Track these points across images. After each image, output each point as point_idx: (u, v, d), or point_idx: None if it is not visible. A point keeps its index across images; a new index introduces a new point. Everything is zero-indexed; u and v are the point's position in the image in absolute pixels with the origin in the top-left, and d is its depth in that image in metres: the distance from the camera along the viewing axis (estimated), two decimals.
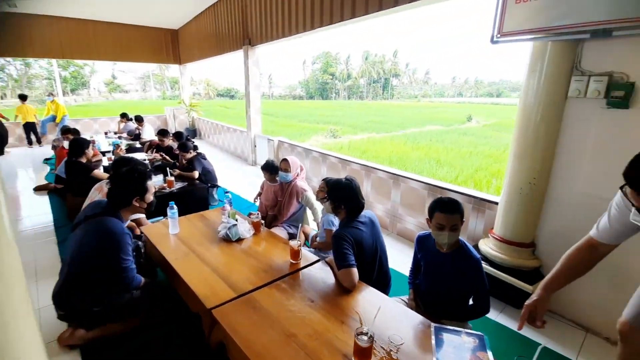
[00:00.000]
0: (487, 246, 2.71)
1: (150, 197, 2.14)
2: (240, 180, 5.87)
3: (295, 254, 2.17)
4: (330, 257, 2.20)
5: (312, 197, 3.17)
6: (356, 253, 1.99)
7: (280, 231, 3.17)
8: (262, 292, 1.88)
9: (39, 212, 4.21)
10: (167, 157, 4.90)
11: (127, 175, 2.05)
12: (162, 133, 5.20)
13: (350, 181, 2.16)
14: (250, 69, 6.16)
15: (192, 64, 10.55)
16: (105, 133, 7.95)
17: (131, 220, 2.88)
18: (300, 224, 3.30)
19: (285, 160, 3.14)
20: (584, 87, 2.10)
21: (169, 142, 5.29)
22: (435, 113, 34.37)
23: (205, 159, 4.52)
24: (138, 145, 6.69)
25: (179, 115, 10.50)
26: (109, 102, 44.52)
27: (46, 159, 6.96)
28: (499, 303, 2.60)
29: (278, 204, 3.29)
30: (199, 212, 3.11)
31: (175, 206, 2.58)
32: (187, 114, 10.36)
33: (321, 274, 2.08)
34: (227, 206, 2.84)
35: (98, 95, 53.91)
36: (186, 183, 3.99)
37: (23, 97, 8.37)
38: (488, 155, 12.26)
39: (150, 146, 7.18)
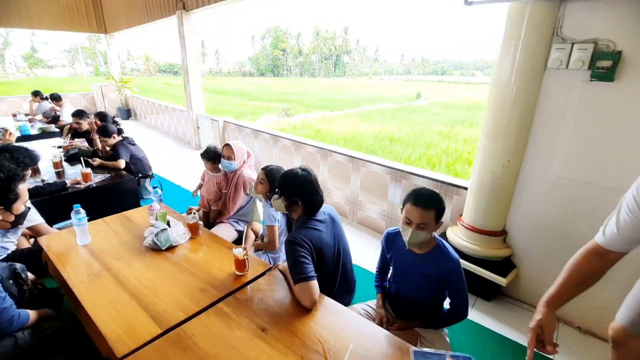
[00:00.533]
0: (456, 235, 2.49)
1: (20, 206, 1.55)
2: (182, 167, 5.19)
3: (241, 265, 1.75)
4: (284, 263, 1.82)
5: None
6: (315, 260, 1.62)
7: (226, 229, 2.71)
8: (198, 322, 1.46)
9: None
10: (86, 144, 4.09)
11: None
12: (78, 114, 4.34)
13: (308, 172, 1.76)
14: (187, 38, 5.35)
15: (120, 34, 9.20)
16: (14, 115, 6.63)
17: (27, 228, 2.22)
18: (248, 220, 2.88)
19: (227, 145, 2.64)
20: (566, 56, 1.85)
21: (86, 125, 4.44)
22: (385, 90, 34.81)
23: (133, 144, 3.82)
24: (55, 128, 5.63)
25: (109, 93, 9.20)
26: (30, 78, 38.93)
27: None
28: (470, 297, 2.41)
29: (222, 197, 2.81)
30: (124, 211, 2.52)
31: (82, 210, 1.99)
32: (117, 91, 9.11)
33: (274, 286, 1.69)
34: (156, 205, 2.30)
35: (16, 72, 46.96)
36: (109, 175, 3.30)
37: None
38: (438, 132, 12.51)
39: (70, 129, 6.12)
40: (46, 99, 7.05)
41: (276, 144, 4.23)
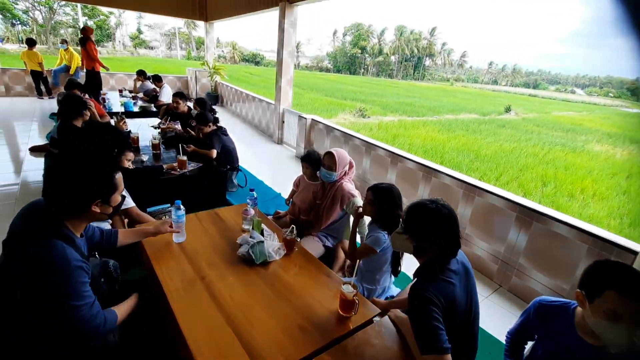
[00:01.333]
0: None
1: (117, 197, 1.37)
2: (262, 160, 5.14)
3: (348, 306, 1.46)
4: (396, 311, 1.50)
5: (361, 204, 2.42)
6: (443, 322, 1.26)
7: (314, 243, 2.46)
8: None
9: (31, 178, 3.63)
10: (187, 129, 4.17)
11: (83, 163, 1.27)
12: (179, 95, 4.47)
13: (449, 210, 1.37)
14: (286, 32, 5.26)
15: (219, 23, 9.65)
16: (120, 91, 7.27)
17: (121, 212, 2.19)
18: (339, 237, 2.60)
19: (330, 154, 2.37)
20: None
21: (185, 107, 4.56)
22: (469, 100, 32.42)
23: (226, 134, 3.79)
24: (154, 108, 6.00)
25: (202, 78, 9.72)
26: (134, 57, 43.95)
27: (52, 114, 6.38)
28: None
29: (316, 208, 2.56)
30: (215, 206, 2.41)
31: (182, 207, 1.87)
32: (209, 77, 9.57)
33: (387, 342, 1.39)
34: (251, 210, 2.12)
35: (123, 50, 53.40)
36: (200, 164, 3.27)
37: (30, 42, 7.66)
38: (532, 154, 11.11)
39: (167, 111, 6.49)
40: (149, 78, 7.61)
41: (368, 152, 3.88)
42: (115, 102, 6.06)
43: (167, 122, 4.35)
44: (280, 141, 5.96)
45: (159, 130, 4.31)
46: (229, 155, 3.77)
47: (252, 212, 2.13)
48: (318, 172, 2.55)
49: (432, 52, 76.29)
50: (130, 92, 7.47)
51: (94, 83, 6.90)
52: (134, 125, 4.61)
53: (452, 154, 9.55)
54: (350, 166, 2.46)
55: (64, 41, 7.97)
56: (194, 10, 9.34)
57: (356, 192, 2.42)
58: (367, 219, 2.31)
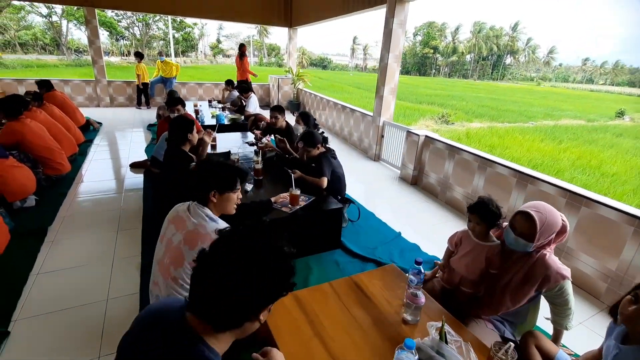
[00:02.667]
0: None
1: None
2: (359, 180, 4.47)
3: None
4: None
5: (571, 290, 1.59)
6: None
7: (487, 332, 1.68)
8: None
9: (129, 202, 3.41)
10: (288, 147, 3.67)
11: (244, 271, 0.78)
12: (278, 109, 3.99)
13: None
14: (394, 33, 4.53)
15: (302, 28, 9.31)
16: (209, 101, 7.23)
17: None
18: (517, 322, 1.80)
19: (526, 216, 1.56)
20: None
21: (283, 122, 4.08)
22: (565, 102, 28.33)
23: (335, 157, 3.18)
24: (243, 120, 5.72)
25: (284, 85, 9.46)
26: (213, 65, 47.22)
27: (150, 125, 6.50)
28: None
29: (488, 281, 1.78)
30: (328, 249, 1.75)
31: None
32: (292, 84, 9.26)
33: None
34: (421, 297, 1.43)
35: (204, 58, 57.76)
36: (311, 197, 2.68)
37: (139, 55, 8.04)
38: None
39: (255, 121, 6.21)
40: (236, 88, 7.49)
41: (522, 188, 2.93)
42: (206, 113, 5.93)
43: (265, 139, 3.89)
44: (377, 158, 5.24)
45: (256, 148, 3.89)
46: (338, 183, 3.15)
47: (422, 298, 1.43)
48: (494, 229, 1.78)
49: (514, 49, 69.34)
50: (219, 102, 7.42)
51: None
52: (227, 141, 4.28)
53: (571, 171, 7.91)
54: (562, 232, 1.62)
55: (161, 53, 8.28)
56: (279, 17, 9.13)
57: (567, 271, 1.58)
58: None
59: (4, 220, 2.54)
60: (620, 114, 19.57)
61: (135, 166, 4.29)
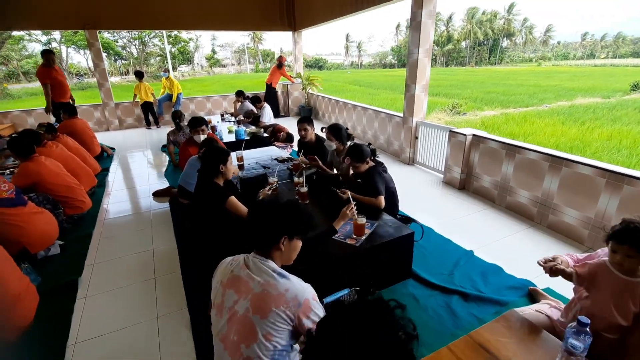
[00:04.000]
0: None
1: None
2: (401, 190, 4.09)
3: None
4: None
5: None
6: None
7: None
8: None
9: (161, 239, 3.09)
10: (320, 163, 3.33)
11: None
12: (307, 120, 3.64)
13: None
14: (423, 25, 4.17)
15: (306, 31, 8.98)
16: (222, 115, 6.92)
17: None
18: None
19: None
20: None
21: (313, 134, 3.73)
22: (573, 80, 27.68)
23: (386, 170, 2.83)
24: (263, 133, 5.39)
25: (294, 91, 9.13)
26: (210, 76, 46.99)
27: (164, 146, 6.20)
28: None
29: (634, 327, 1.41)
30: (398, 280, 1.38)
31: None
32: (302, 89, 8.93)
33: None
34: None
35: (201, 70, 57.72)
36: (374, 222, 2.33)
37: (139, 75, 7.78)
38: None
39: (274, 133, 5.88)
40: (247, 98, 7.18)
41: (617, 190, 2.55)
42: (222, 128, 5.62)
43: (300, 156, 3.54)
44: (411, 161, 4.88)
45: (291, 166, 3.55)
46: (392, 200, 2.80)
47: None
48: None
49: (510, 32, 68.43)
50: (232, 114, 7.11)
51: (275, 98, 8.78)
52: (251, 159, 3.92)
53: (607, 153, 7.48)
54: None
55: (166, 70, 7.99)
56: (282, 21, 8.80)
57: None
58: None
59: (30, 279, 2.23)
60: (636, 87, 18.95)
61: (159, 195, 3.97)
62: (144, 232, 3.21)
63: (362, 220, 2.13)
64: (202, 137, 3.75)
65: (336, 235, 2.13)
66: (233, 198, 2.32)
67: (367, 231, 2.20)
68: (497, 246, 2.80)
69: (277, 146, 5.20)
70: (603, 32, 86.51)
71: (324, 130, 3.39)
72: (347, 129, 3.44)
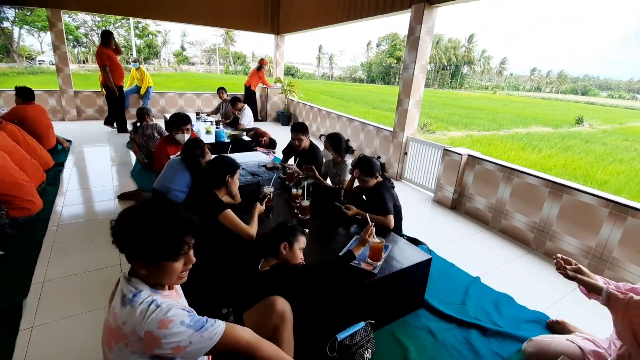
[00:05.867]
0: None
1: None
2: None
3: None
4: None
5: None
6: None
7: None
8: None
9: None
10: (317, 174, 3.08)
11: None
12: (301, 129, 3.38)
13: None
14: (421, 41, 4.12)
15: (290, 36, 8.77)
16: (197, 114, 6.42)
17: None
18: None
19: None
20: None
21: (307, 142, 3.48)
22: (524, 109, 29.93)
23: (394, 186, 2.65)
24: (245, 137, 5.02)
25: (273, 96, 8.82)
26: (177, 73, 45.08)
27: (129, 142, 5.60)
28: None
29: None
30: (410, 310, 1.20)
31: None
32: (282, 94, 8.65)
33: None
34: None
35: (167, 66, 55.28)
36: (385, 244, 2.12)
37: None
38: None
39: (256, 137, 5.52)
40: (225, 100, 6.75)
41: (620, 221, 2.55)
42: (200, 128, 5.17)
43: (290, 167, 3.26)
44: (399, 177, 4.78)
45: (282, 175, 3.26)
46: (397, 219, 2.62)
47: None
48: None
49: (470, 60, 73.33)
50: (208, 114, 6.60)
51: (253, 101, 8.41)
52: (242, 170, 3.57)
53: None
54: None
55: (136, 60, 7.34)
56: (266, 24, 8.52)
57: None
58: None
59: None
60: (580, 121, 20.85)
61: (126, 198, 3.48)
62: (109, 242, 2.72)
63: (381, 241, 1.91)
64: (187, 136, 3.35)
65: (355, 262, 1.89)
66: (229, 211, 2.00)
67: (384, 255, 1.98)
68: (501, 273, 2.70)
69: (260, 152, 4.87)
70: (548, 69, 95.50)
71: (322, 138, 3.16)
72: (347, 140, 3.24)
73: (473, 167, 3.62)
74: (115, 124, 6.38)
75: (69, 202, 3.41)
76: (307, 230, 2.14)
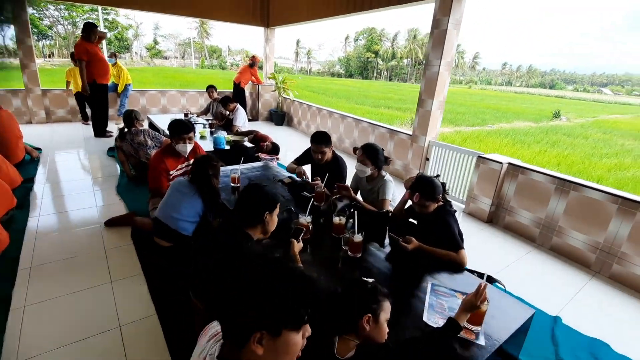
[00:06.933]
0: None
1: None
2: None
3: None
4: None
5: None
6: None
7: None
8: None
9: (129, 303, 2.10)
10: (353, 194, 2.60)
11: None
12: (322, 139, 2.89)
13: None
14: (448, 34, 3.70)
15: (281, 29, 8.19)
16: (185, 115, 5.75)
17: None
18: None
19: None
20: None
21: (330, 153, 3.00)
22: (500, 104, 30.55)
23: (455, 211, 2.21)
24: (247, 142, 4.46)
25: (264, 93, 8.21)
26: (151, 67, 42.94)
27: (111, 149, 4.91)
28: None
29: None
30: None
31: None
32: (275, 90, 8.07)
33: None
34: None
35: (140, 60, 52.63)
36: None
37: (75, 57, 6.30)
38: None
39: (256, 141, 4.96)
40: (216, 100, 6.11)
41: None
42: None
43: (319, 186, 2.76)
44: None
45: (309, 195, 2.76)
46: None
47: None
48: None
49: None
50: (199, 115, 5.95)
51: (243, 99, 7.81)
52: (245, 180, 3.04)
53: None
54: None
55: (113, 54, 6.52)
56: (255, 16, 7.89)
57: None
58: None
59: None
60: (557, 115, 21.39)
61: (114, 224, 2.87)
62: (102, 292, 2.15)
63: (484, 304, 1.47)
64: (189, 147, 2.79)
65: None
66: None
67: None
68: (575, 308, 2.32)
69: (262, 159, 4.34)
70: (518, 64, 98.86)
71: (358, 152, 2.69)
72: (383, 150, 2.77)
73: (515, 177, 3.26)
74: (106, 130, 5.67)
75: (42, 231, 2.76)
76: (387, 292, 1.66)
